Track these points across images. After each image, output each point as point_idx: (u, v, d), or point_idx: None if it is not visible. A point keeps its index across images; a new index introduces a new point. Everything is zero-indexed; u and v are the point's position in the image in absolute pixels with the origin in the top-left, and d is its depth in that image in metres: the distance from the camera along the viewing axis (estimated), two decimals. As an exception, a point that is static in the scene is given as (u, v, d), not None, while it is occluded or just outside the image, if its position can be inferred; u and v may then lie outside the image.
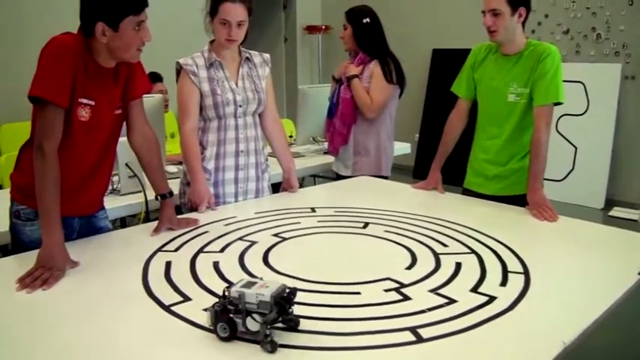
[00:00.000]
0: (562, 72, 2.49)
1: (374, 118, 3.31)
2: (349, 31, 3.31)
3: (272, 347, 1.33)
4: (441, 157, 2.85)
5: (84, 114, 1.95)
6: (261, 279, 1.43)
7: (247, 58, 2.67)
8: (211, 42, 2.62)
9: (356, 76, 3.29)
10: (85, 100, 1.93)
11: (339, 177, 3.45)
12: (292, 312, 1.42)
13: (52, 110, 1.85)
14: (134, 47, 1.94)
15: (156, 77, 4.54)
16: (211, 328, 1.40)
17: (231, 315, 1.37)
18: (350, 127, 3.36)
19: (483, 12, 2.49)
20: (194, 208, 2.52)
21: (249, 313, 1.35)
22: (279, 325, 1.41)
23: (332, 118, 3.45)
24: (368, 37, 3.28)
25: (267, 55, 2.77)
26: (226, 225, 2.30)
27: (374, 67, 3.28)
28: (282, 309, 1.37)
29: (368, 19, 3.26)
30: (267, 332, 1.34)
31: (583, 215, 2.46)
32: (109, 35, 1.87)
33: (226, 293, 1.39)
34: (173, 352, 1.36)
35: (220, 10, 2.46)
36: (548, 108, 2.48)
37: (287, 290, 1.39)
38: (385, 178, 3.36)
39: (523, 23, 2.51)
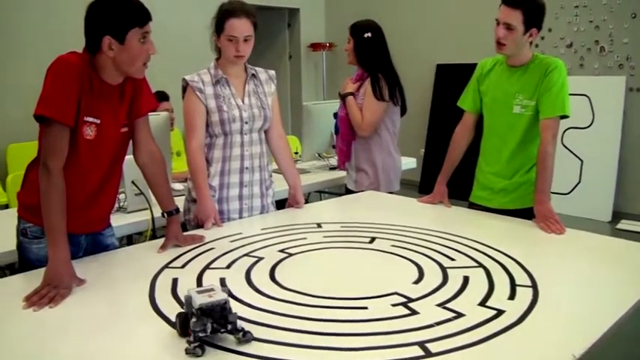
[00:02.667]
0: (568, 85, 2.49)
1: (366, 136, 3.32)
2: (351, 44, 3.32)
3: (194, 354, 1.37)
4: (446, 171, 2.84)
5: (90, 132, 1.95)
6: (224, 290, 1.47)
7: (253, 74, 2.68)
8: (217, 59, 2.63)
9: (351, 93, 3.32)
10: (90, 119, 1.94)
11: (348, 191, 3.46)
12: (234, 329, 1.43)
13: (57, 129, 1.86)
14: (140, 61, 1.95)
15: (162, 96, 4.55)
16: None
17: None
18: (349, 144, 3.40)
19: (497, 21, 2.49)
20: (200, 225, 2.52)
21: (193, 315, 1.41)
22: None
23: (337, 134, 3.51)
24: (367, 51, 3.28)
25: (272, 72, 2.78)
26: (232, 241, 2.30)
27: (368, 84, 3.28)
28: (216, 321, 1.40)
29: (369, 34, 3.26)
30: (191, 339, 1.38)
31: (590, 228, 2.45)
32: (116, 49, 1.89)
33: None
34: (180, 369, 1.35)
35: (227, 26, 2.48)
36: (555, 121, 2.48)
37: (219, 305, 1.40)
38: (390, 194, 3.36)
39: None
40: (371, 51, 3.28)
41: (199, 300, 1.39)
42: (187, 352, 1.38)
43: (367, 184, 3.36)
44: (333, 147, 4.00)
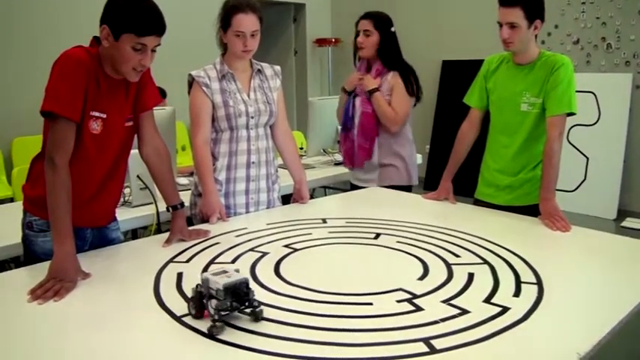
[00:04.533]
0: (575, 83, 2.48)
1: (397, 131, 3.24)
2: (375, 38, 3.17)
3: (214, 331, 1.45)
4: (452, 168, 2.84)
5: (96, 127, 1.95)
6: (237, 271, 1.54)
7: (259, 70, 2.68)
8: (223, 54, 2.63)
9: (377, 89, 3.20)
10: (96, 113, 1.94)
11: (353, 187, 3.42)
12: (249, 305, 1.51)
13: (63, 124, 1.86)
14: (129, 65, 1.90)
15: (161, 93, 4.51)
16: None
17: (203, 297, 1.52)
18: (373, 141, 3.26)
19: (499, 24, 2.49)
20: (205, 220, 2.52)
21: (212, 297, 1.48)
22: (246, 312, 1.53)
23: (347, 131, 3.36)
24: (392, 47, 3.20)
25: (277, 67, 2.78)
26: (237, 236, 2.30)
27: (393, 79, 3.19)
28: (237, 299, 1.48)
29: (394, 29, 3.18)
30: (216, 317, 1.45)
31: (595, 226, 2.45)
32: (110, 42, 1.88)
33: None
34: (185, 364, 1.35)
35: (234, 22, 2.48)
36: (561, 118, 2.47)
37: (244, 283, 1.49)
38: (410, 187, 3.31)
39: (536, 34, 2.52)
40: (396, 45, 3.21)
41: (221, 281, 1.46)
42: (211, 331, 1.45)
43: (398, 178, 3.27)
44: (338, 142, 3.98)
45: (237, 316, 1.54)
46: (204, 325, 1.50)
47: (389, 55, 3.20)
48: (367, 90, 3.22)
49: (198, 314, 1.53)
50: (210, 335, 1.45)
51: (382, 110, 3.18)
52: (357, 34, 3.24)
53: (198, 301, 1.53)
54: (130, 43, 1.86)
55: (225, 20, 2.51)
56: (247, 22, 2.48)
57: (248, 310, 1.52)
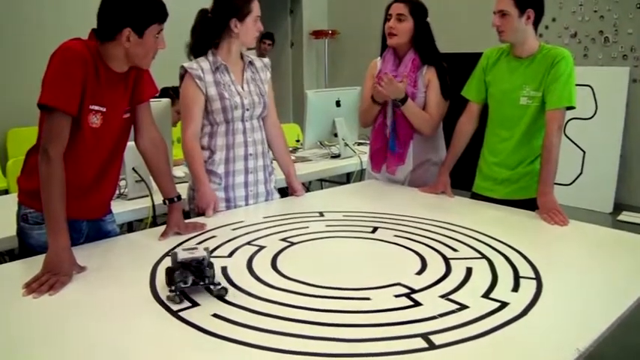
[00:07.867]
0: (575, 76, 2.47)
1: (433, 135, 2.92)
2: (409, 25, 2.79)
3: (172, 299, 1.59)
4: (449, 161, 2.82)
5: (95, 120, 1.94)
6: (206, 249, 1.67)
7: (250, 62, 2.67)
8: (215, 47, 2.59)
9: (406, 97, 2.76)
10: (96, 107, 1.93)
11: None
12: (210, 282, 1.64)
13: (60, 117, 1.84)
14: (151, 54, 1.98)
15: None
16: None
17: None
18: (407, 145, 2.91)
19: (494, 12, 2.51)
20: (202, 213, 2.51)
21: (175, 270, 1.62)
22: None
23: (380, 132, 3.00)
24: (428, 38, 2.85)
25: (266, 60, 2.78)
26: (234, 229, 2.29)
27: (429, 73, 2.84)
28: (196, 275, 1.62)
29: (429, 19, 2.87)
30: (172, 287, 1.60)
31: (591, 219, 2.45)
32: (133, 41, 1.90)
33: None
34: (181, 358, 1.34)
35: (253, 7, 2.53)
36: (561, 112, 2.46)
37: (198, 260, 1.62)
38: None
39: (535, 26, 2.50)
40: (431, 37, 2.87)
41: (181, 255, 1.62)
42: (168, 298, 1.60)
43: (432, 180, 2.94)
44: (335, 135, 3.97)
45: (236, 310, 1.54)
46: (200, 319, 1.50)
47: (425, 46, 2.84)
48: (395, 101, 2.80)
49: (168, 282, 1.65)
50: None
51: (416, 117, 2.81)
52: (386, 19, 2.87)
53: (169, 272, 1.65)
54: (153, 34, 1.94)
55: (244, 9, 2.51)
56: (259, 5, 2.56)
57: (212, 287, 1.64)
